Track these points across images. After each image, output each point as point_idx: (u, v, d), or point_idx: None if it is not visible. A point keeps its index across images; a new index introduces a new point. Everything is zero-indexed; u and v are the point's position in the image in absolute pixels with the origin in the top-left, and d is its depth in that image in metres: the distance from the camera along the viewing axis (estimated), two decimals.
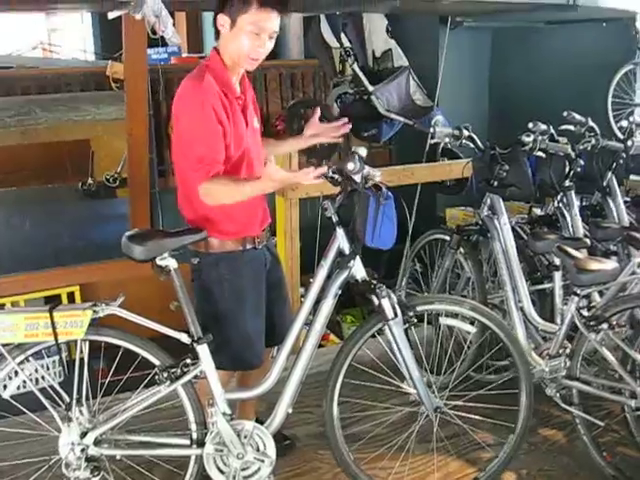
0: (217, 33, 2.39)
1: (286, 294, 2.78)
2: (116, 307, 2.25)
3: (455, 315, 2.70)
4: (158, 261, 2.27)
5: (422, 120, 5.23)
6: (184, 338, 2.33)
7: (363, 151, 2.30)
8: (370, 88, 5.30)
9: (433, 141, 3.39)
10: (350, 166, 2.26)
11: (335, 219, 2.39)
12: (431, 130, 3.30)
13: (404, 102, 5.42)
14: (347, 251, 2.41)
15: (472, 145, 3.28)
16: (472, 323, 2.68)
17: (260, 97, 6.73)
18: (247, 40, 2.31)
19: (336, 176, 2.30)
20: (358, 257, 2.42)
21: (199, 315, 2.37)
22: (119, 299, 2.28)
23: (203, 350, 2.33)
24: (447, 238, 3.42)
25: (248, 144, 2.45)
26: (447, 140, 3.27)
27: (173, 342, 2.35)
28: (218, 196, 2.32)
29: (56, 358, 3.37)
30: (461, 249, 3.37)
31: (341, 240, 2.41)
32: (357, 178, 2.30)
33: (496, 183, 3.19)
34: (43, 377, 2.40)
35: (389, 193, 2.35)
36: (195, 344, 2.33)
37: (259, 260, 2.55)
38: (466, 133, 3.23)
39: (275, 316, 2.62)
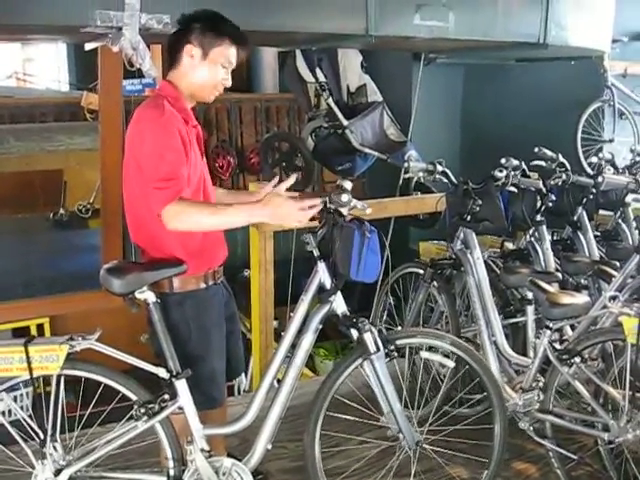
0: (172, 62, 2.38)
1: (239, 328, 2.75)
2: (93, 341, 2.23)
3: (430, 348, 2.71)
4: (137, 294, 2.24)
5: (395, 155, 5.30)
6: (162, 373, 2.31)
7: (349, 184, 2.33)
8: (345, 122, 5.36)
9: (407, 175, 3.43)
10: (344, 198, 2.29)
11: (316, 253, 2.40)
12: (405, 165, 3.34)
13: (378, 136, 5.49)
14: (328, 285, 2.42)
15: (445, 180, 3.32)
16: (447, 357, 2.70)
17: (235, 130, 6.78)
18: (216, 72, 2.35)
19: (330, 208, 2.32)
20: (339, 291, 2.43)
21: (164, 354, 2.34)
22: (96, 333, 2.25)
23: (181, 385, 2.31)
24: (421, 272, 3.45)
25: (204, 173, 2.44)
26: (421, 175, 3.31)
27: (140, 374, 2.33)
28: (188, 218, 2.22)
29: (28, 390, 3.33)
30: (434, 283, 3.39)
31: (322, 274, 2.41)
32: (344, 211, 2.33)
33: (469, 217, 3.24)
34: (14, 411, 2.36)
35: (372, 227, 2.38)
36: (174, 379, 2.30)
37: (219, 296, 2.53)
38: (440, 168, 3.27)
39: (229, 350, 2.58)
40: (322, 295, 2.44)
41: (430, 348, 2.69)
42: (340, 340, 6.00)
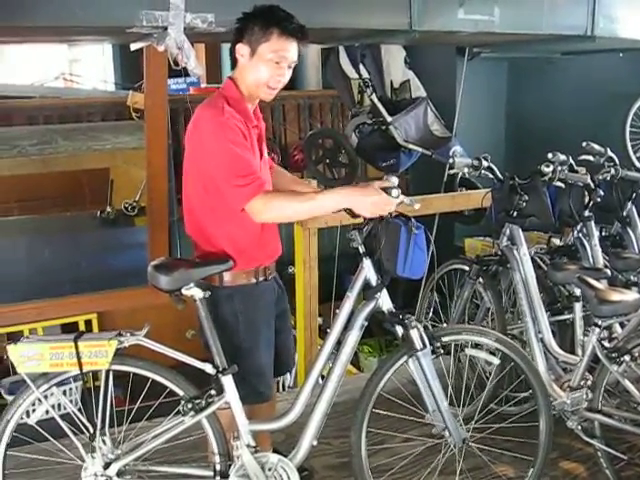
0: (234, 63, 2.40)
1: (290, 324, 2.79)
2: (141, 337, 2.27)
3: (476, 346, 2.69)
4: (184, 291, 2.27)
5: (440, 150, 5.26)
6: (209, 369, 2.33)
7: (395, 180, 2.31)
8: (388, 119, 5.34)
9: (452, 171, 3.41)
10: (394, 193, 2.27)
11: (362, 250, 2.39)
12: (450, 160, 3.32)
13: (422, 132, 5.46)
14: (374, 282, 2.41)
15: (491, 175, 3.30)
16: (492, 354, 2.68)
17: (278, 127, 6.81)
18: (267, 69, 2.32)
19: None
20: (384, 289, 2.42)
21: (210, 350, 2.37)
22: (144, 329, 2.29)
23: (228, 381, 2.33)
24: (466, 268, 3.43)
25: (263, 174, 2.45)
26: (466, 170, 3.29)
27: (188, 370, 2.36)
28: (278, 207, 2.26)
29: (77, 384, 3.39)
30: (480, 279, 3.37)
31: (368, 271, 2.41)
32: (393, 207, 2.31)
33: (515, 213, 3.21)
34: (65, 404, 2.41)
35: (418, 223, 2.37)
36: (220, 375, 2.33)
37: (270, 292, 2.56)
38: (485, 163, 3.25)
39: (279, 346, 2.61)
40: (368, 292, 2.44)
41: (476, 345, 2.67)
42: (384, 337, 5.99)
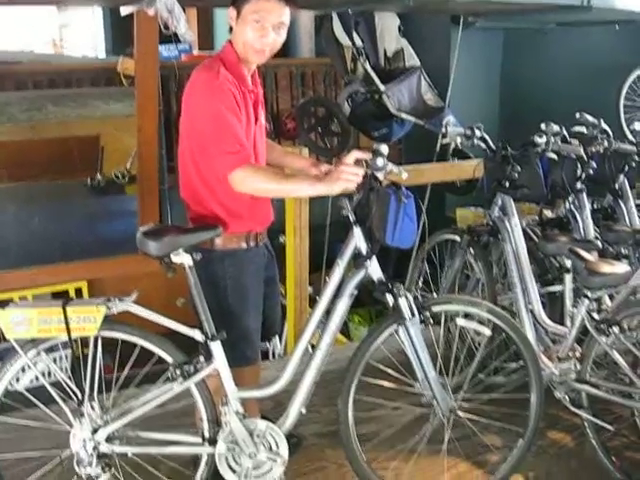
0: (231, 27, 2.41)
1: (278, 290, 2.81)
2: (130, 303, 2.26)
3: (466, 316, 2.70)
4: (173, 257, 2.27)
5: (433, 120, 5.23)
6: (197, 335, 2.34)
7: (385, 148, 2.30)
8: (381, 87, 5.28)
9: (445, 141, 3.40)
10: (379, 162, 2.27)
11: (352, 218, 2.38)
12: (443, 130, 3.30)
13: (415, 102, 5.41)
14: (364, 251, 2.41)
15: (484, 145, 3.28)
16: (483, 324, 2.68)
17: (270, 95, 6.74)
18: (250, 30, 2.32)
19: (366, 172, 2.29)
20: (374, 257, 2.42)
21: (199, 317, 2.37)
22: (133, 295, 2.29)
23: (217, 347, 2.34)
24: (457, 239, 3.43)
25: (256, 139, 2.47)
26: (459, 140, 3.27)
27: (177, 337, 2.37)
28: (255, 183, 2.29)
29: (66, 352, 3.39)
30: (471, 250, 3.37)
31: (358, 239, 2.40)
32: (380, 176, 2.31)
33: (507, 184, 3.21)
34: (54, 371, 2.41)
35: (409, 192, 2.36)
36: (209, 341, 2.34)
37: (260, 257, 2.58)
38: (478, 133, 3.23)
39: (267, 312, 2.64)
40: (357, 260, 2.43)
41: (466, 315, 2.67)
42: (375, 307, 6.01)
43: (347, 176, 2.25)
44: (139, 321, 2.29)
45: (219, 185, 2.38)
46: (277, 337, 4.67)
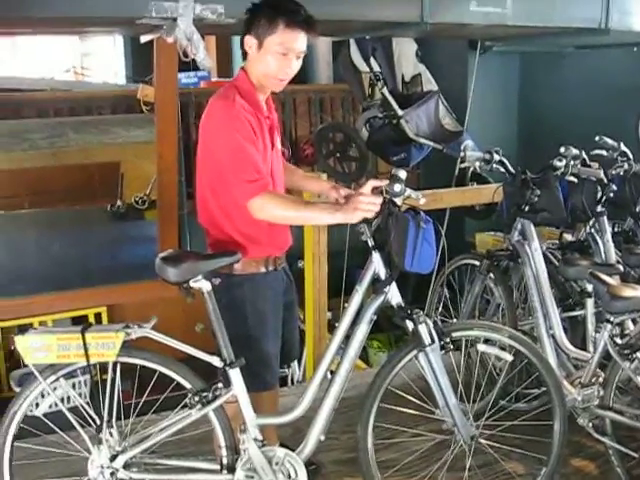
0: (244, 54, 2.42)
1: (297, 314, 2.81)
2: (149, 329, 2.26)
3: (486, 341, 2.67)
4: (192, 283, 2.27)
5: (451, 145, 5.23)
6: (216, 362, 2.33)
7: (403, 174, 2.30)
8: (399, 112, 5.30)
9: (463, 165, 3.41)
10: (397, 188, 2.27)
11: (371, 243, 2.38)
12: (461, 154, 3.30)
13: (433, 126, 5.42)
14: (383, 276, 2.39)
15: (502, 169, 3.27)
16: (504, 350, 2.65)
17: (288, 121, 6.79)
18: (274, 61, 2.33)
19: (385, 197, 2.29)
20: (394, 282, 2.41)
21: (217, 343, 2.36)
22: (152, 321, 2.29)
23: (235, 374, 2.33)
24: (477, 263, 3.40)
25: (273, 165, 2.48)
26: (477, 164, 3.27)
27: (196, 363, 2.36)
28: (273, 211, 2.30)
29: (85, 378, 3.40)
30: (491, 274, 3.34)
31: (377, 265, 2.39)
32: (399, 201, 2.31)
33: (527, 208, 3.19)
34: (73, 397, 2.41)
35: (428, 217, 2.35)
36: (227, 368, 2.32)
37: (279, 282, 2.58)
38: (497, 157, 3.23)
39: (285, 336, 2.63)
40: (376, 286, 2.42)
41: (487, 341, 2.65)
42: (394, 332, 5.98)
43: (365, 206, 2.26)
44: (158, 347, 2.29)
45: (237, 212, 2.38)
46: (296, 363, 4.66)
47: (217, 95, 2.39)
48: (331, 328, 4.15)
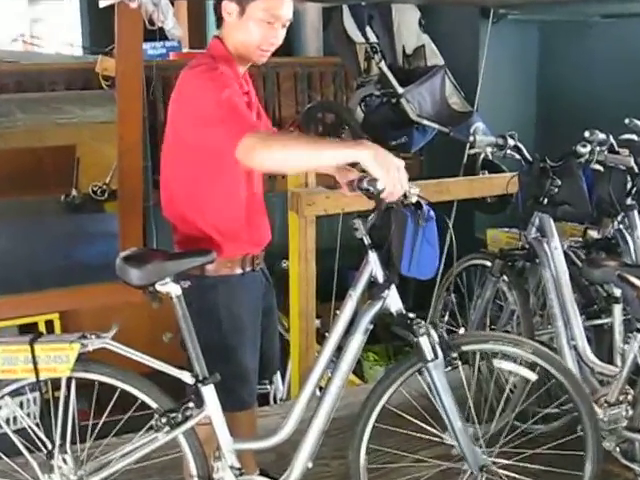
0: (219, 21, 2.42)
1: (277, 322, 2.82)
2: (108, 339, 2.24)
3: (494, 354, 2.68)
4: (159, 287, 2.25)
5: (459, 127, 5.24)
6: (186, 377, 2.32)
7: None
8: (400, 90, 5.31)
9: (472, 151, 3.41)
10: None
11: (367, 241, 2.36)
12: (470, 139, 3.31)
13: (439, 106, 5.44)
14: (381, 279, 2.38)
15: (518, 156, 3.29)
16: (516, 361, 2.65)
17: (271, 100, 6.78)
18: (258, 30, 2.33)
19: (370, 188, 2.21)
20: (393, 286, 2.39)
21: (189, 356, 2.35)
22: (112, 330, 2.26)
23: (209, 392, 2.31)
24: (488, 264, 3.42)
25: None
26: (489, 150, 3.28)
27: (163, 378, 2.34)
28: (268, 150, 2.14)
29: (35, 395, 3.38)
30: (504, 277, 3.36)
31: (374, 266, 2.37)
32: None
33: (546, 200, 3.20)
34: (20, 418, 2.40)
35: (431, 213, 2.31)
36: (200, 385, 2.31)
37: (257, 285, 2.58)
38: (511, 142, 3.24)
39: (264, 346, 2.62)
40: (373, 290, 2.41)
41: (502, 355, 2.64)
42: (393, 343, 5.99)
43: (401, 177, 2.14)
44: (119, 360, 2.28)
45: (211, 201, 2.39)
46: (279, 378, 4.66)
47: (190, 66, 2.38)
48: (320, 338, 4.16)
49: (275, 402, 4.84)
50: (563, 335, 3.13)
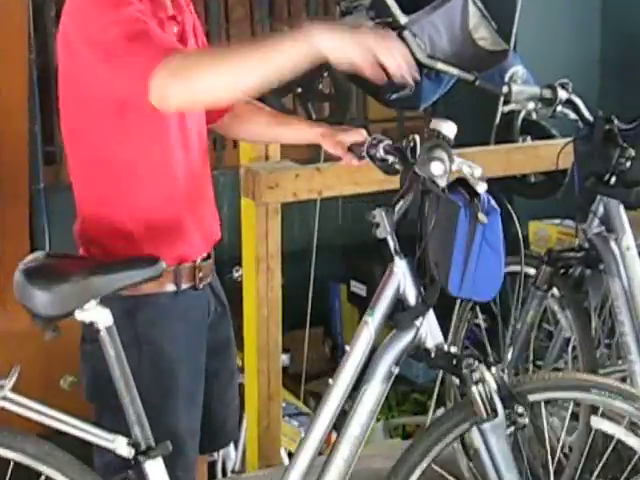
0: None
1: (233, 365, 2.79)
2: (7, 391, 2.18)
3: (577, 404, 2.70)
4: (80, 314, 2.20)
5: (489, 73, 5.28)
6: (121, 447, 2.27)
7: (450, 128, 2.25)
8: (402, 19, 5.33)
9: (508, 108, 3.43)
10: (436, 170, 2.15)
11: (393, 243, 2.35)
12: (505, 89, 3.33)
13: (459, 43, 5.45)
14: (413, 300, 2.37)
15: (573, 115, 3.31)
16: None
17: (218, 32, 6.77)
18: None
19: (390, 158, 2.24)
20: (431, 310, 2.36)
21: (92, 400, 2.38)
22: (11, 376, 2.21)
23: (155, 469, 2.28)
24: (532, 271, 3.45)
25: None
26: (531, 107, 3.31)
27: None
28: (189, 74, 2.12)
29: None
30: (554, 290, 3.39)
31: (402, 280, 2.36)
32: (442, 181, 2.20)
33: (614, 179, 3.23)
34: None
35: (492, 203, 2.28)
36: (142, 458, 2.28)
37: (200, 309, 2.56)
38: (564, 95, 3.26)
39: (215, 401, 2.63)
40: (401, 316, 2.40)
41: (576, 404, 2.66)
42: (396, 387, 5.99)
43: (388, 46, 2.20)
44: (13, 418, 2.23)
45: (129, 176, 2.38)
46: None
47: None
48: (290, 382, 4.16)
49: (224, 475, 4.84)
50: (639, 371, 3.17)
